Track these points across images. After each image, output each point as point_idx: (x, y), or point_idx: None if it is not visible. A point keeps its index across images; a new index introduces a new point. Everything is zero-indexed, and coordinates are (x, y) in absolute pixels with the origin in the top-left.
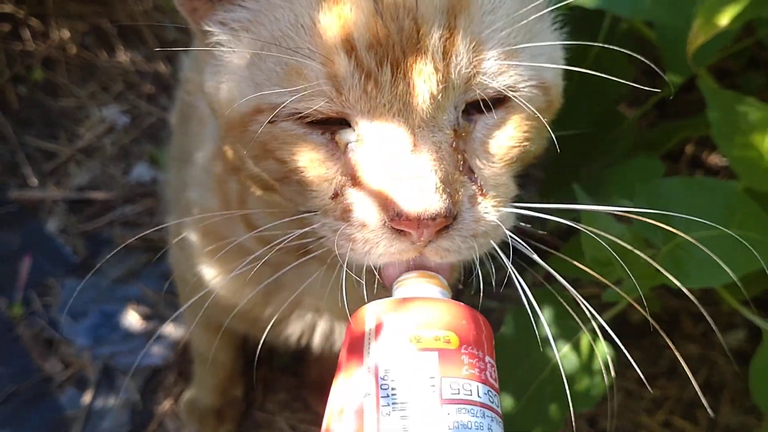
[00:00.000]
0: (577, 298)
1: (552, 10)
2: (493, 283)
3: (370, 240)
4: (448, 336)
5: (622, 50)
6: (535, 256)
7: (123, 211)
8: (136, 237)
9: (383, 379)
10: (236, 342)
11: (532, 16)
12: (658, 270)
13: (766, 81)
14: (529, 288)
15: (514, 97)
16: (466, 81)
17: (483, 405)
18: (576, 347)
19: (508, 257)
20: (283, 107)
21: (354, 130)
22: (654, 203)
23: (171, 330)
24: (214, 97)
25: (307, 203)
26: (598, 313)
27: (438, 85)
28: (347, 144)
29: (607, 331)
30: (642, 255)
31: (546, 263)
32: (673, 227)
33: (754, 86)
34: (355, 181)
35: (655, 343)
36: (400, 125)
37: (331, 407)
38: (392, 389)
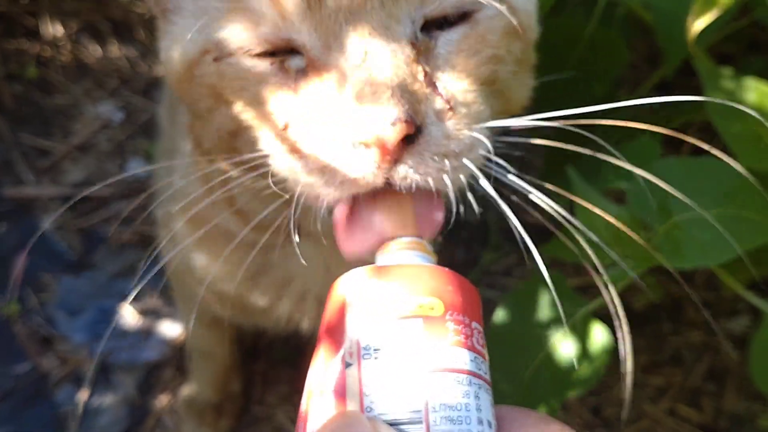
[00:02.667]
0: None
1: None
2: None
3: (328, 167)
4: (432, 302)
5: (620, 33)
6: (517, 180)
7: (118, 206)
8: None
9: (365, 350)
10: (232, 335)
11: None
12: (653, 251)
13: (767, 64)
14: (525, 277)
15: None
16: None
17: (470, 372)
18: (573, 330)
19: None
20: (227, 41)
21: (303, 55)
22: (651, 184)
23: (168, 325)
24: (168, 63)
25: (263, 146)
26: (595, 298)
27: None
28: (297, 70)
29: (606, 318)
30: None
31: (541, 249)
32: (670, 208)
33: (755, 69)
34: (307, 107)
35: (659, 331)
36: (350, 36)
37: (309, 386)
38: (375, 358)
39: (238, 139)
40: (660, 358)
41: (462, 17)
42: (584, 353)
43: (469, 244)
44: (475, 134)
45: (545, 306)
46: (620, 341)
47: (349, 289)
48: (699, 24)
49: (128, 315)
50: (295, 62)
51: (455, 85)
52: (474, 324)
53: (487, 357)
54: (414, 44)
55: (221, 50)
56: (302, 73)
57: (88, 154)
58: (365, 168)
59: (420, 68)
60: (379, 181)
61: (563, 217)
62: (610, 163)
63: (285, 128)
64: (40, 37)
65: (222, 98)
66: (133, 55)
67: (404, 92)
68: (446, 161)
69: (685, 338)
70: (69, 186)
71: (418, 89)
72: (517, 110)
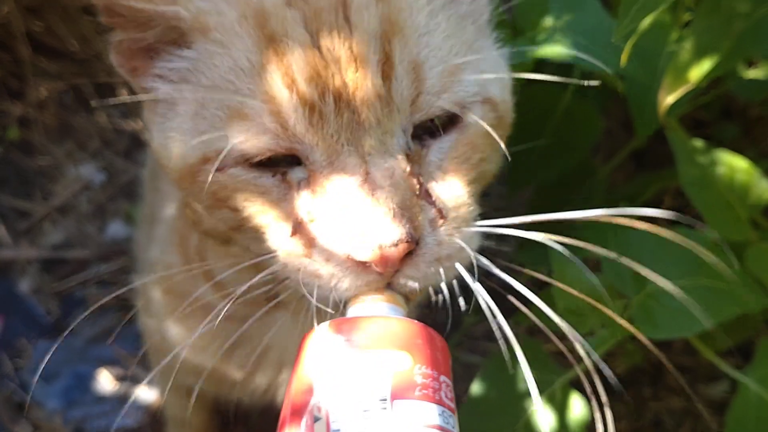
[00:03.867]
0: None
1: (493, 30)
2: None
3: (336, 274)
4: (401, 356)
5: (594, 102)
6: (505, 275)
7: (98, 269)
8: (110, 296)
9: (334, 404)
10: (208, 404)
11: (472, 33)
12: (630, 320)
13: (740, 131)
14: (505, 340)
15: (460, 113)
16: (411, 102)
17: (438, 427)
18: (551, 400)
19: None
20: (229, 151)
21: (304, 166)
22: (625, 253)
23: (144, 392)
24: (162, 153)
25: (266, 246)
26: (574, 366)
27: (382, 110)
28: (299, 182)
29: (593, 383)
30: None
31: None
32: (643, 277)
33: (728, 136)
34: (312, 218)
35: (639, 396)
36: (350, 155)
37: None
38: (343, 414)
39: (239, 233)
40: (641, 424)
41: (450, 121)
42: (562, 423)
43: (450, 308)
44: (466, 233)
45: (523, 375)
46: (597, 418)
47: (317, 343)
48: (670, 99)
49: (104, 380)
50: (296, 174)
51: (447, 191)
52: (442, 378)
53: (455, 411)
54: (408, 155)
55: (223, 161)
56: (305, 183)
57: (68, 216)
58: (370, 279)
59: (416, 181)
60: (380, 287)
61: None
62: (586, 230)
63: (293, 234)
64: (24, 98)
65: (225, 203)
66: (115, 117)
67: (404, 210)
68: (440, 266)
69: (665, 404)
70: (48, 248)
71: (415, 203)
72: (492, 180)
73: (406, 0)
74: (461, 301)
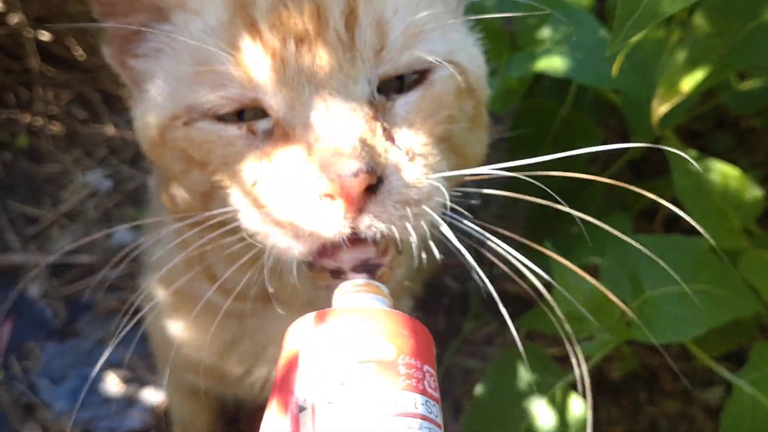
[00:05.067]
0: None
1: (468, 18)
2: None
3: (297, 220)
4: (385, 346)
5: (591, 115)
6: (478, 229)
7: (104, 275)
8: (126, 300)
9: (317, 394)
10: (214, 406)
11: (441, 8)
12: (628, 325)
13: (734, 142)
14: (506, 345)
15: (425, 68)
16: (375, 54)
17: (422, 416)
18: (552, 401)
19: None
20: (196, 104)
21: (269, 117)
22: (623, 260)
23: (151, 393)
24: (141, 131)
25: (233, 202)
26: (573, 368)
27: (344, 55)
28: (263, 131)
29: (584, 386)
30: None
31: (520, 321)
32: (642, 283)
33: (722, 147)
34: (275, 165)
35: (635, 401)
36: (312, 96)
37: (268, 423)
38: (327, 404)
39: (211, 199)
40: (637, 428)
41: (418, 80)
42: (563, 424)
43: (450, 313)
44: (433, 182)
45: (525, 377)
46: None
47: (300, 337)
48: (663, 108)
49: (111, 383)
50: (261, 125)
51: (413, 139)
52: (426, 367)
53: (439, 401)
54: (372, 103)
55: (190, 114)
56: (269, 134)
57: (75, 222)
58: (332, 219)
59: (378, 124)
60: (346, 230)
61: (538, 276)
62: (584, 238)
63: (254, 185)
64: (31, 107)
65: (194, 161)
66: (122, 125)
67: (364, 146)
68: (407, 209)
69: (661, 408)
70: (55, 254)
71: (378, 143)
72: (474, 165)
73: None
74: (435, 252)
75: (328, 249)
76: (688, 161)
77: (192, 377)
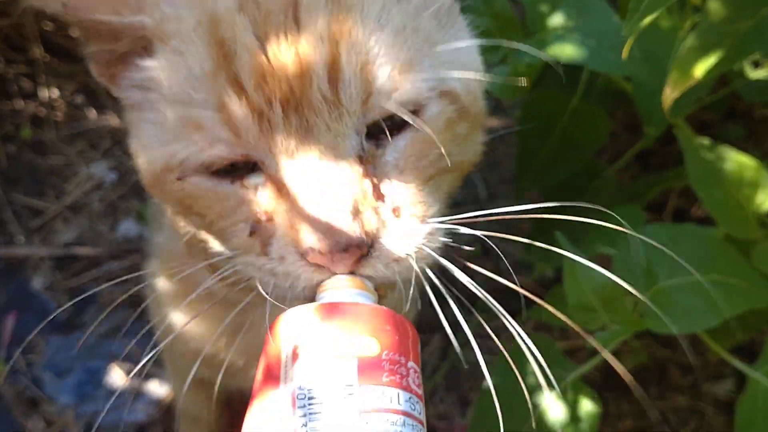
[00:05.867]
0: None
1: (464, 16)
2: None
3: (291, 273)
4: (369, 342)
5: (601, 104)
6: (463, 276)
7: (109, 267)
8: (127, 293)
9: (300, 389)
10: (220, 398)
11: (429, 24)
12: (641, 316)
13: (745, 132)
14: (513, 339)
15: (412, 120)
16: (361, 104)
17: (404, 413)
18: (563, 395)
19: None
20: (189, 161)
21: (261, 171)
22: (636, 250)
23: (156, 386)
24: (136, 158)
25: (230, 246)
26: (584, 361)
27: (330, 114)
28: (256, 186)
29: (594, 382)
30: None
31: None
32: (655, 274)
33: (732, 137)
34: (269, 218)
35: (645, 394)
36: (300, 161)
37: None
38: (309, 399)
39: (209, 234)
40: (646, 423)
41: (407, 122)
42: (574, 418)
43: (457, 305)
44: (425, 233)
45: (534, 371)
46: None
47: (284, 329)
48: (675, 94)
49: (116, 376)
50: (253, 180)
51: (403, 190)
52: (410, 364)
53: (423, 398)
54: (361, 157)
55: (182, 169)
56: (263, 187)
57: (80, 214)
58: (324, 279)
59: (369, 182)
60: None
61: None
62: (596, 229)
63: (251, 235)
64: (35, 98)
65: (191, 210)
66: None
67: (356, 215)
68: (397, 266)
69: (670, 402)
70: (60, 246)
71: (369, 206)
72: (470, 169)
73: None
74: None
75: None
76: (702, 150)
77: (198, 369)
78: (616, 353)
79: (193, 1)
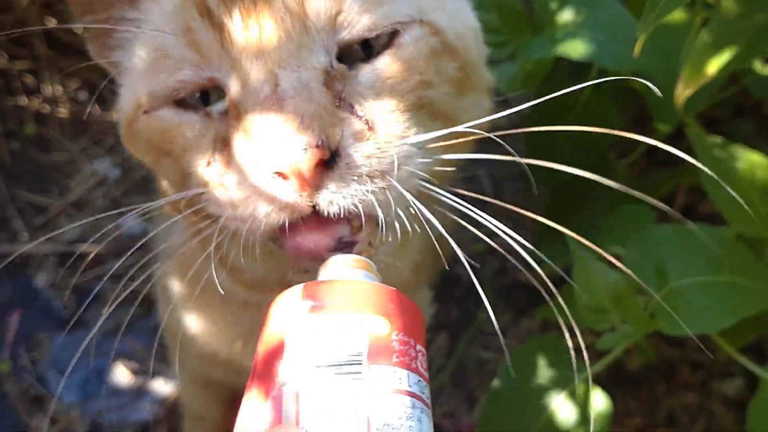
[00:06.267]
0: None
1: None
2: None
3: (251, 197)
4: (378, 320)
5: (611, 100)
6: (455, 200)
7: (113, 264)
8: (135, 291)
9: (303, 367)
10: (227, 397)
11: None
12: (652, 316)
13: (754, 129)
14: (524, 336)
15: (393, 32)
16: (329, 19)
17: (412, 394)
18: (572, 395)
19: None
20: (155, 91)
21: (227, 94)
22: (646, 250)
23: (160, 385)
24: (119, 121)
25: (194, 182)
26: (593, 361)
27: (294, 24)
28: (219, 113)
29: (602, 379)
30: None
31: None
32: (665, 274)
33: (742, 134)
34: (225, 142)
35: (653, 393)
36: (260, 70)
37: (247, 410)
38: (315, 375)
39: (184, 186)
40: (655, 421)
41: (386, 45)
42: (584, 419)
43: (463, 303)
44: (401, 150)
45: (544, 369)
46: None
47: (287, 307)
48: (687, 92)
49: (120, 374)
50: (217, 107)
51: (376, 107)
52: (418, 347)
53: (428, 381)
54: (328, 71)
55: (151, 102)
56: (225, 114)
57: (83, 211)
58: (288, 196)
59: (335, 93)
60: (305, 208)
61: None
62: (606, 226)
63: (208, 165)
64: (39, 95)
65: (160, 150)
66: None
67: (314, 118)
68: (371, 182)
69: (679, 400)
70: (64, 243)
71: (332, 114)
72: (466, 120)
73: None
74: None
75: (292, 228)
76: (714, 149)
77: (205, 368)
78: (624, 352)
79: None
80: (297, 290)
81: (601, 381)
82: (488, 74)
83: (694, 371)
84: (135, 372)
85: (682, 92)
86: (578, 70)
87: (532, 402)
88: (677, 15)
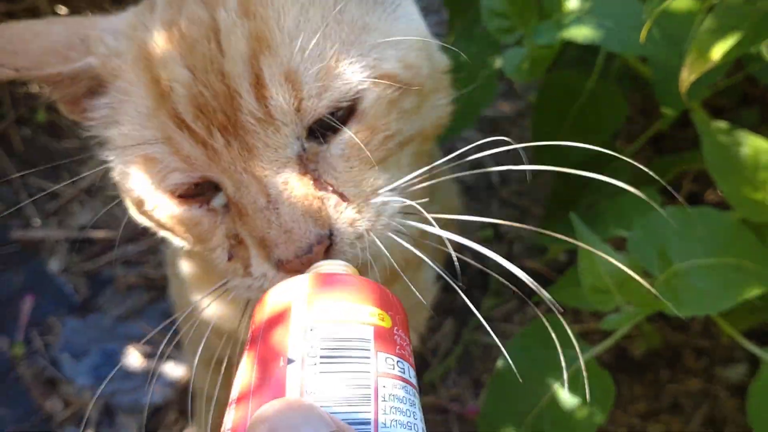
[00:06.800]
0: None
1: None
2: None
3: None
4: (382, 314)
5: (618, 86)
6: (437, 230)
7: (125, 250)
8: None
9: (312, 346)
10: None
11: (355, 8)
12: (656, 297)
13: (759, 117)
14: (526, 323)
15: (338, 125)
16: (294, 112)
17: (411, 384)
18: (576, 376)
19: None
20: (151, 192)
21: (223, 191)
22: (651, 233)
23: (172, 368)
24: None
25: (218, 271)
26: (597, 343)
27: (265, 131)
28: (221, 207)
29: (606, 366)
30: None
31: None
32: (669, 256)
33: (747, 123)
34: (239, 241)
35: (657, 378)
36: (250, 182)
37: (244, 375)
38: (322, 356)
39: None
40: (658, 406)
41: (349, 110)
42: (587, 400)
43: (469, 290)
44: (374, 205)
45: (546, 351)
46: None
47: (296, 289)
48: (692, 77)
49: (133, 357)
50: (217, 200)
51: (347, 175)
52: (410, 346)
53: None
54: (301, 158)
55: (151, 200)
56: (227, 208)
57: (95, 197)
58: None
59: (310, 176)
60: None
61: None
62: (610, 211)
63: (230, 259)
64: None
65: (175, 233)
66: None
67: (305, 218)
68: (361, 242)
69: (683, 386)
70: (76, 229)
71: (315, 199)
72: (436, 132)
73: (274, 5)
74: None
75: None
76: (719, 134)
77: (215, 349)
78: (628, 337)
79: (127, 32)
80: (305, 277)
81: (605, 366)
82: (441, 61)
83: (698, 357)
84: (147, 355)
85: (687, 77)
86: (585, 57)
87: (535, 383)
88: (684, 1)
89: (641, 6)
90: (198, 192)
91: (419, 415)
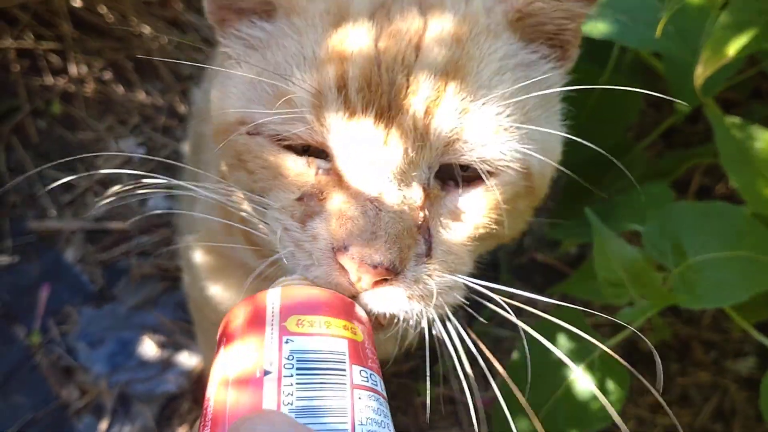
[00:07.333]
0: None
1: (560, 102)
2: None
3: (314, 256)
4: (354, 327)
5: (631, 81)
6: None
7: (139, 241)
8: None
9: (288, 357)
10: None
11: (534, 101)
12: (670, 291)
13: None
14: (532, 316)
15: (483, 173)
16: (445, 144)
17: (383, 396)
18: (590, 368)
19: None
20: (265, 126)
21: (329, 162)
22: (665, 227)
23: (186, 357)
24: (214, 104)
25: (270, 196)
26: (608, 337)
27: (414, 143)
28: (319, 168)
29: (619, 354)
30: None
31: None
32: (683, 250)
33: (758, 117)
34: (322, 198)
35: (667, 371)
36: (371, 173)
37: (219, 375)
38: (299, 368)
39: (248, 198)
40: (669, 399)
41: (479, 177)
42: (602, 390)
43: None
44: (445, 279)
45: (563, 343)
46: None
47: (275, 298)
48: (707, 72)
49: (147, 347)
50: (322, 164)
51: (446, 236)
52: (376, 355)
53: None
54: (425, 189)
55: (257, 129)
56: (326, 171)
57: (109, 189)
58: (340, 281)
59: (422, 214)
60: (347, 293)
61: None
62: (624, 205)
63: (300, 199)
64: (65, 74)
65: (244, 165)
66: (154, 93)
67: (398, 240)
68: (411, 303)
69: (693, 378)
70: (91, 220)
71: (412, 236)
72: (508, 240)
73: (480, 50)
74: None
75: None
76: (732, 129)
77: None
78: (639, 330)
79: None
80: (277, 290)
81: (622, 357)
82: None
83: (708, 350)
84: (162, 345)
85: (702, 73)
86: (599, 51)
87: (550, 375)
88: None
89: (656, 2)
90: (301, 149)
91: (391, 426)
